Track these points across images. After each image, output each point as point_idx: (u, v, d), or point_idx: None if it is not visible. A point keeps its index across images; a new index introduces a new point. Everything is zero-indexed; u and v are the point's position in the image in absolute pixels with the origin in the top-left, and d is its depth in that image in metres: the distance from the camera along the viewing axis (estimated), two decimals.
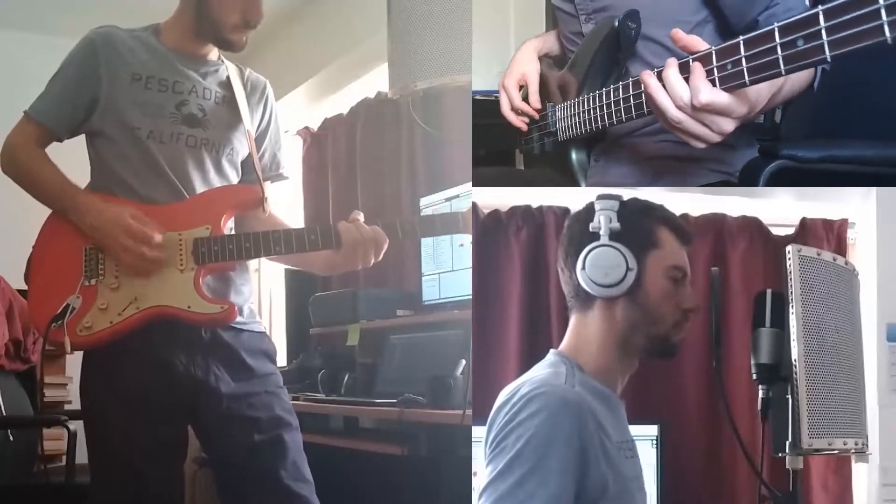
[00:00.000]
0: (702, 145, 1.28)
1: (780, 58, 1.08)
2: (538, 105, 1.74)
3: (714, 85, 1.20)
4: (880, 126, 1.68)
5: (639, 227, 1.30)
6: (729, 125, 1.24)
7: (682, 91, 1.22)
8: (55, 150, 1.88)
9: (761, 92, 1.30)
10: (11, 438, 3.20)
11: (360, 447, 2.79)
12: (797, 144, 1.46)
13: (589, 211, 1.32)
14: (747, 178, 1.51)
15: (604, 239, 1.28)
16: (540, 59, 1.82)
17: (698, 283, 2.17)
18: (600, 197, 1.31)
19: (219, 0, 1.82)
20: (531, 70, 1.78)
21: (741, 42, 1.15)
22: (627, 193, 1.36)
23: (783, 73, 1.10)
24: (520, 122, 1.79)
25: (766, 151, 1.50)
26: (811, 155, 1.47)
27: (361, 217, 1.83)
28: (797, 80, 1.44)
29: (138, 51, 1.85)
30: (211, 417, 1.83)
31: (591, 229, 1.29)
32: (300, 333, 3.71)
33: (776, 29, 1.09)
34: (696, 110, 1.21)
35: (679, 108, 1.23)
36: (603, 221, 1.28)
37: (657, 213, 1.33)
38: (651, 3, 1.60)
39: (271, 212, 1.95)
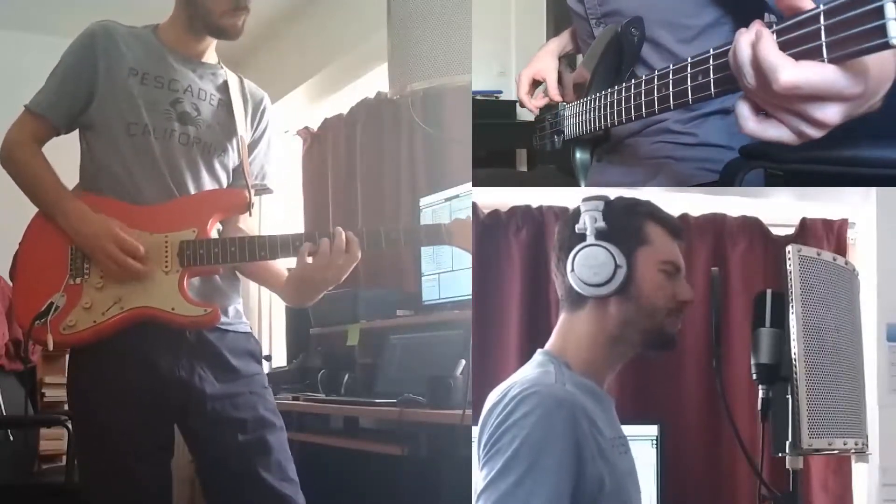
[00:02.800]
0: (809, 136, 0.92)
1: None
2: (558, 98, 1.76)
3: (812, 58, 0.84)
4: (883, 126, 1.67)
5: (626, 224, 1.29)
6: (834, 113, 0.88)
7: (751, 75, 0.89)
8: (56, 151, 1.88)
9: (886, 65, 0.91)
10: (11, 438, 3.21)
11: (360, 447, 2.79)
12: (775, 145, 1.46)
13: (576, 214, 1.32)
14: (726, 178, 1.51)
15: (590, 239, 1.28)
16: (559, 58, 1.86)
17: (698, 284, 2.19)
18: (585, 199, 1.31)
19: None
20: (549, 66, 1.82)
21: None
22: (624, 194, 1.36)
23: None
24: (531, 107, 1.83)
25: (745, 152, 1.49)
26: (789, 156, 1.46)
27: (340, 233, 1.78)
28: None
29: (136, 46, 1.86)
30: (195, 418, 1.83)
31: (577, 230, 1.29)
32: (300, 333, 3.71)
33: None
34: (780, 97, 0.88)
35: (755, 97, 0.91)
36: (588, 222, 1.28)
37: (643, 210, 1.32)
38: (656, 6, 1.60)
39: (248, 226, 1.96)
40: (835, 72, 0.85)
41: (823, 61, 0.84)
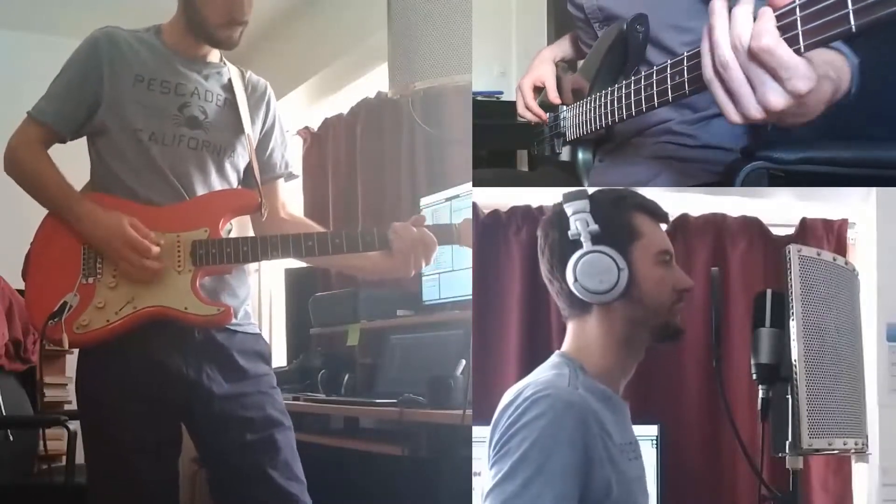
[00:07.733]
0: (736, 118, 1.04)
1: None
2: (558, 101, 1.76)
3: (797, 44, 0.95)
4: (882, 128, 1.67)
5: (616, 220, 1.28)
6: (777, 96, 0.99)
7: (744, 28, 0.99)
8: (57, 151, 1.88)
9: (834, 84, 1.17)
10: (11, 438, 3.20)
11: (360, 447, 2.79)
12: (775, 146, 1.46)
13: (560, 216, 1.29)
14: (726, 179, 1.51)
15: (587, 245, 1.25)
16: (556, 64, 1.86)
17: (698, 284, 2.18)
18: (567, 198, 1.28)
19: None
20: (547, 72, 1.82)
21: None
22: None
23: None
24: (538, 116, 1.82)
25: (744, 152, 1.50)
26: (788, 156, 1.47)
27: (423, 220, 1.83)
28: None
29: (141, 52, 1.86)
30: (203, 417, 1.83)
31: (570, 237, 1.27)
32: (300, 333, 3.71)
33: None
34: (752, 58, 0.98)
35: (733, 47, 1.00)
36: (580, 227, 1.26)
37: (629, 202, 1.31)
38: (656, 10, 1.60)
39: (292, 213, 2.08)
40: (797, 57, 0.98)
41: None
